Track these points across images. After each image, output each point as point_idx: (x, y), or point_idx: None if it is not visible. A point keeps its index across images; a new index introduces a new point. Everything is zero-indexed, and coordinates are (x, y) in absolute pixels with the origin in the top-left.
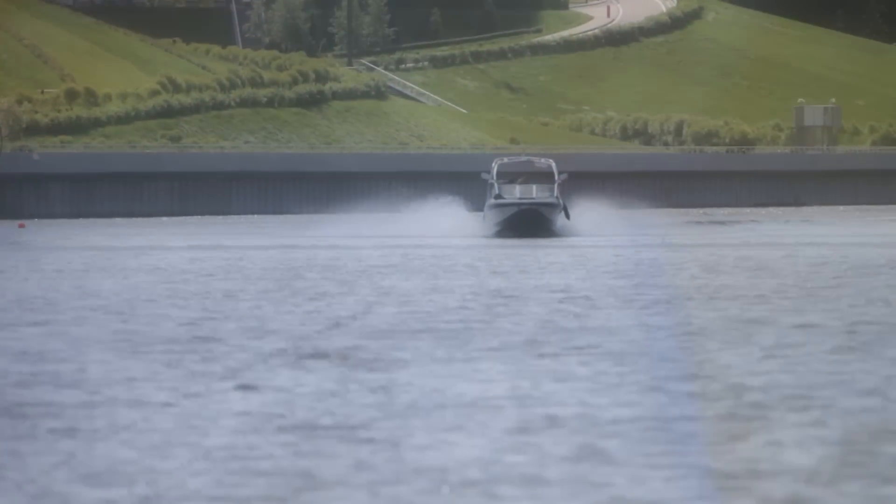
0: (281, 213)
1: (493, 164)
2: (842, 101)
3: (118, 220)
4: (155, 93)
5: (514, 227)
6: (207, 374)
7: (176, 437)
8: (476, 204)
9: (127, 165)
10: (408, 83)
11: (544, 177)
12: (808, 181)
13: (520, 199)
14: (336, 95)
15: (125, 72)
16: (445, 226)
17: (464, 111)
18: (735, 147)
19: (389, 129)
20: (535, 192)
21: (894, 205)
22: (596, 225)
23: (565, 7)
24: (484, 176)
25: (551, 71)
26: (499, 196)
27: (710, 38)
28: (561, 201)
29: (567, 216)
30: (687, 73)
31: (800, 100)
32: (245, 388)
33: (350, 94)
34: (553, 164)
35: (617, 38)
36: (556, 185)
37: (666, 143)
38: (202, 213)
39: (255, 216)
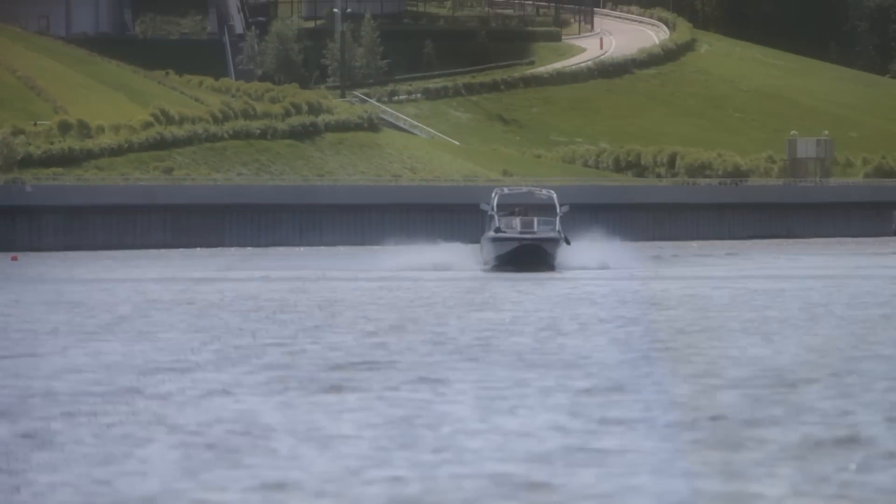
0: (274, 245)
1: (493, 195)
2: (834, 133)
3: (112, 252)
4: (148, 125)
5: (514, 263)
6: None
7: None
8: (472, 236)
9: (120, 198)
10: (401, 115)
11: (545, 209)
12: (801, 213)
13: (521, 233)
14: (329, 127)
15: (118, 104)
16: (442, 259)
17: (457, 143)
18: (728, 179)
19: (382, 161)
20: (537, 226)
21: (887, 237)
22: (598, 258)
23: (558, 39)
24: (483, 207)
25: (544, 103)
26: (499, 229)
27: (703, 71)
28: (562, 234)
29: (567, 241)
30: (680, 105)
31: (792, 132)
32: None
33: (343, 126)
34: (555, 196)
35: (610, 71)
36: (557, 219)
37: (659, 175)
38: (195, 246)
39: (249, 248)
